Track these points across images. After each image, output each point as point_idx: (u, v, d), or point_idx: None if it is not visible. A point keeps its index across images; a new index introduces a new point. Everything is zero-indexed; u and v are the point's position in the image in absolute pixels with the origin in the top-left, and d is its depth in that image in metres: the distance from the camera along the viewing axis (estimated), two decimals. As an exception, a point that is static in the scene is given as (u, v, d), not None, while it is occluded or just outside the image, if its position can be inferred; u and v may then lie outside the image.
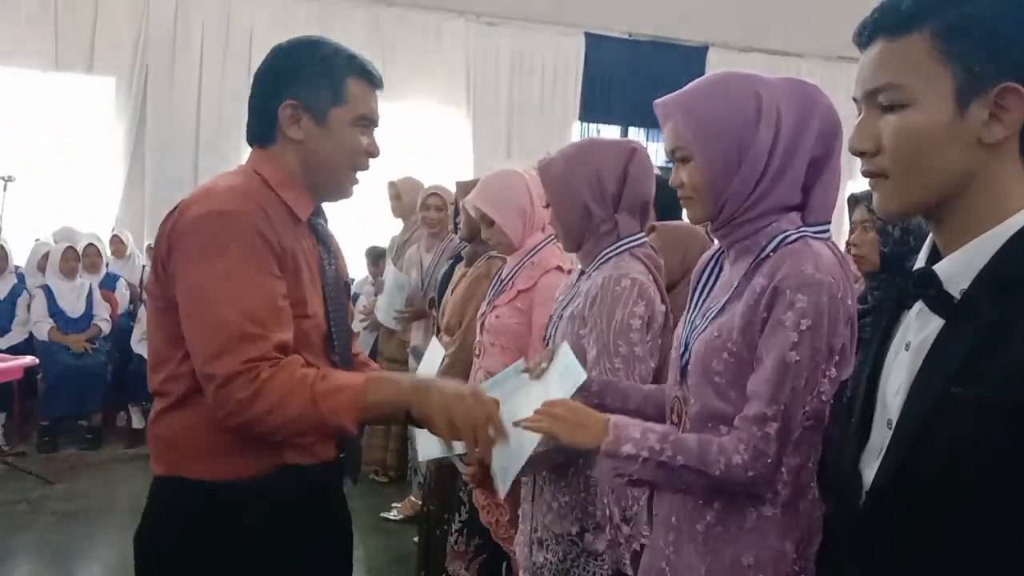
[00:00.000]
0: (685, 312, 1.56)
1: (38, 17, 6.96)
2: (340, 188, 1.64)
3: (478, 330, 2.58)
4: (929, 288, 0.96)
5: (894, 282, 1.05)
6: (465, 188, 3.23)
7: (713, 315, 1.44)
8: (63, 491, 4.84)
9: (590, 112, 8.21)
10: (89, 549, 4.15)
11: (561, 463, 1.90)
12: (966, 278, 0.94)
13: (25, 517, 4.32)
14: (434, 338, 3.00)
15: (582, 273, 2.01)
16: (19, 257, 6.24)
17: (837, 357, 1.34)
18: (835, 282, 1.34)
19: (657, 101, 1.50)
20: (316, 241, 1.64)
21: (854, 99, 1.02)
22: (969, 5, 0.93)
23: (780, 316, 1.33)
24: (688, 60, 8.10)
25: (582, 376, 1.66)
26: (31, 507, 4.48)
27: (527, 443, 1.55)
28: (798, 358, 1.32)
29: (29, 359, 4.08)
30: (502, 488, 1.63)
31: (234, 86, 7.15)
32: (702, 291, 1.54)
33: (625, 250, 1.92)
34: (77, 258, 6.00)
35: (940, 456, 0.90)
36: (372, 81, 1.62)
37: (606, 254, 1.92)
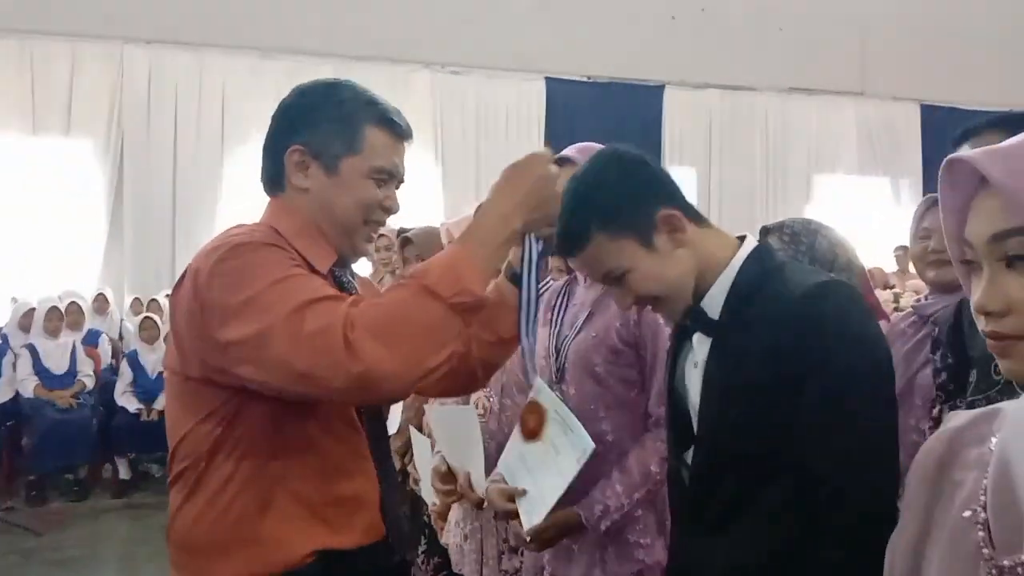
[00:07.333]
0: (540, 328, 1.82)
1: (15, 83, 7.20)
2: (351, 244, 1.47)
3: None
4: (699, 319, 1.35)
5: (679, 323, 1.43)
6: (416, 236, 3.45)
7: (582, 323, 1.80)
8: (52, 542, 4.98)
9: (554, 152, 8.43)
10: (78, 596, 4.32)
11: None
12: (718, 306, 1.34)
13: (17, 569, 4.47)
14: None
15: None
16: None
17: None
18: None
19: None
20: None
21: (599, 280, 1.43)
22: (594, 213, 1.33)
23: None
24: (646, 98, 8.42)
25: (589, 447, 1.65)
26: (22, 558, 4.63)
27: (549, 496, 1.70)
28: None
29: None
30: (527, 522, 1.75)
31: (208, 144, 7.42)
32: (560, 311, 1.90)
33: None
34: (61, 317, 6.18)
35: (730, 431, 1.28)
36: (396, 131, 1.48)
37: None
